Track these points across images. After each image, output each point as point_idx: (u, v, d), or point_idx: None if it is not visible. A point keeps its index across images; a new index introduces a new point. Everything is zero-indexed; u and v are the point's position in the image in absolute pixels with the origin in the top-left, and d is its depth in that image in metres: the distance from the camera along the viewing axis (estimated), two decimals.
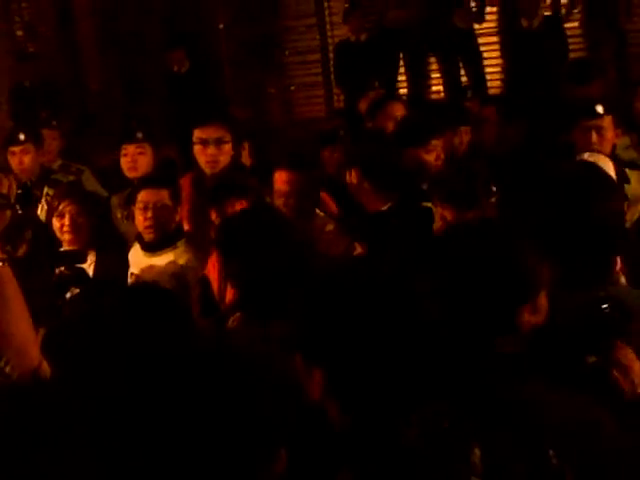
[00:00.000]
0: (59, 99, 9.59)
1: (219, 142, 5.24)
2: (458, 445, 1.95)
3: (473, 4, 9.19)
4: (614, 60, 8.95)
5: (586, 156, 4.71)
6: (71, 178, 6.61)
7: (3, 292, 2.34)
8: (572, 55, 9.00)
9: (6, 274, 2.37)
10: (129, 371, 2.12)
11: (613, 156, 5.16)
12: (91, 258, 4.97)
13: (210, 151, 5.23)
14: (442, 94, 9.96)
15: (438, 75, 9.85)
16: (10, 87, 9.70)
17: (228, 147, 5.29)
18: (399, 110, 6.47)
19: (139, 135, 5.80)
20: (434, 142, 5.07)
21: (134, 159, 5.71)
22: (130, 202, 5.06)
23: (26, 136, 6.51)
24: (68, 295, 4.53)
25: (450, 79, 9.44)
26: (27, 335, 2.38)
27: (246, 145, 6.17)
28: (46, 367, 2.38)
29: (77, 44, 10.34)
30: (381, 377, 1.99)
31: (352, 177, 4.74)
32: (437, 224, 4.05)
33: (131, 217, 5.10)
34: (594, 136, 5.33)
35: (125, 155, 5.75)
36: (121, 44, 9.94)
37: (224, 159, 5.27)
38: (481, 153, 5.87)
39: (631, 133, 6.00)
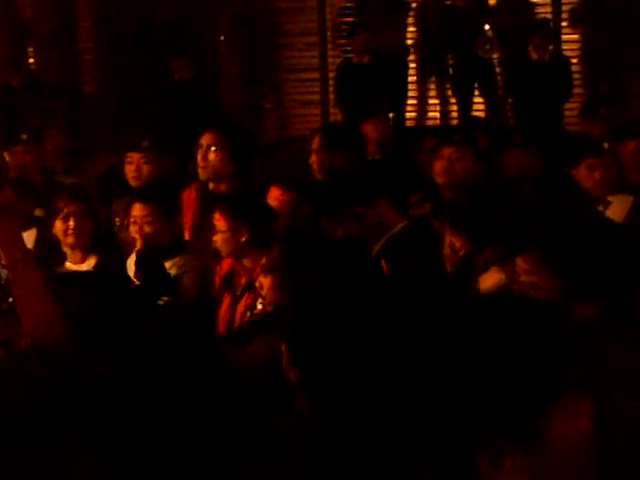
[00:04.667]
0: (49, 102, 9.46)
1: (212, 149, 5.22)
2: None
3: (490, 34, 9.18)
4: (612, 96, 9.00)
5: None
6: (70, 180, 6.55)
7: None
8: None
9: None
10: None
11: None
12: (91, 262, 4.93)
13: (200, 156, 5.22)
14: (438, 121, 10.01)
15: (437, 102, 9.89)
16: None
17: (217, 155, 5.23)
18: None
19: (145, 144, 5.68)
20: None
21: (138, 168, 5.58)
22: (127, 211, 5.04)
23: (28, 136, 6.46)
24: None
25: (463, 107, 9.48)
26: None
27: None
28: None
29: (76, 46, 10.29)
30: None
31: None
32: (445, 250, 4.01)
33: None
34: (598, 174, 5.34)
35: (130, 163, 5.63)
36: (121, 49, 9.89)
37: (217, 166, 5.22)
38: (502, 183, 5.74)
39: None
